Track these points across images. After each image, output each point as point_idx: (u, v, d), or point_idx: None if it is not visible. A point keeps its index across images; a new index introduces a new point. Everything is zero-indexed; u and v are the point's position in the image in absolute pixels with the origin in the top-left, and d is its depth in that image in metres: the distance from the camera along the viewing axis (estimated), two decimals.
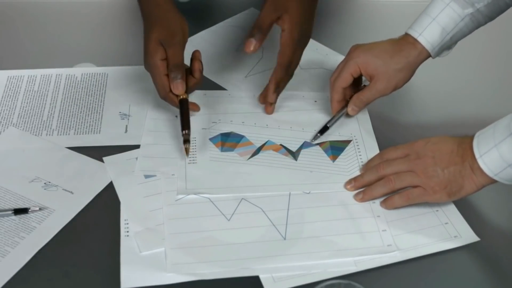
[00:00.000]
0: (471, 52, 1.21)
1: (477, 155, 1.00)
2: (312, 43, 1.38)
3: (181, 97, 1.13)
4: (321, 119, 1.21)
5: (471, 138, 1.01)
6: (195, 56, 1.16)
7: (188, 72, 1.16)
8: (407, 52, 1.15)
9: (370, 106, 1.22)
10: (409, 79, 1.17)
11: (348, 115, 1.20)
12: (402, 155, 1.07)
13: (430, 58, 1.17)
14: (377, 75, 1.15)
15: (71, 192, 1.08)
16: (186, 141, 1.11)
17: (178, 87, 1.12)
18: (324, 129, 1.18)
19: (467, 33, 1.16)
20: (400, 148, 1.08)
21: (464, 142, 1.02)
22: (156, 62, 1.12)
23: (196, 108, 1.19)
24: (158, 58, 1.11)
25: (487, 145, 0.99)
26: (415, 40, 1.15)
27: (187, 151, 1.11)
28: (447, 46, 1.17)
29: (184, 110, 1.13)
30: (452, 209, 1.06)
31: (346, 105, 1.19)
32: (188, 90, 1.15)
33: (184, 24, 1.14)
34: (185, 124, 1.12)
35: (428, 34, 1.14)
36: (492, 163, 0.99)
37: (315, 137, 1.17)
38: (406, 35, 1.16)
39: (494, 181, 1.00)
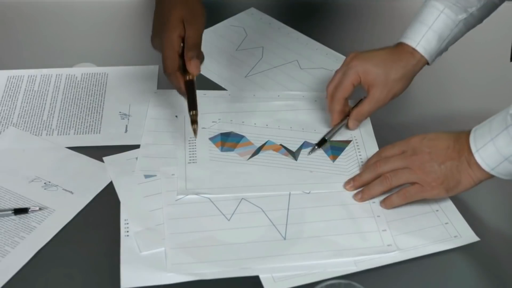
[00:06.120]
0: (470, 50, 1.21)
1: (473, 150, 1.00)
2: (312, 43, 1.38)
3: (189, 77, 1.12)
4: (321, 118, 1.20)
5: (467, 133, 1.02)
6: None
7: None
8: (406, 61, 1.15)
9: None
10: (406, 87, 1.17)
11: (347, 127, 1.18)
12: (399, 152, 1.07)
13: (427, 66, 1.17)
14: (376, 85, 1.14)
15: (71, 192, 1.08)
16: (194, 121, 1.10)
17: (196, 66, 1.11)
18: (322, 142, 1.16)
19: (459, 38, 1.17)
20: (397, 145, 1.08)
21: (460, 137, 1.02)
22: (173, 38, 1.10)
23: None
24: (176, 34, 1.10)
25: (484, 140, 0.99)
26: (413, 50, 1.14)
27: (195, 132, 1.10)
28: (441, 52, 1.17)
29: (192, 91, 1.12)
30: (452, 209, 1.05)
31: (344, 117, 1.18)
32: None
33: (204, 9, 1.13)
34: (193, 105, 1.11)
35: (425, 43, 1.14)
36: (489, 157, 0.98)
37: (313, 150, 1.15)
38: (402, 44, 1.15)
39: (491, 176, 1.00)
